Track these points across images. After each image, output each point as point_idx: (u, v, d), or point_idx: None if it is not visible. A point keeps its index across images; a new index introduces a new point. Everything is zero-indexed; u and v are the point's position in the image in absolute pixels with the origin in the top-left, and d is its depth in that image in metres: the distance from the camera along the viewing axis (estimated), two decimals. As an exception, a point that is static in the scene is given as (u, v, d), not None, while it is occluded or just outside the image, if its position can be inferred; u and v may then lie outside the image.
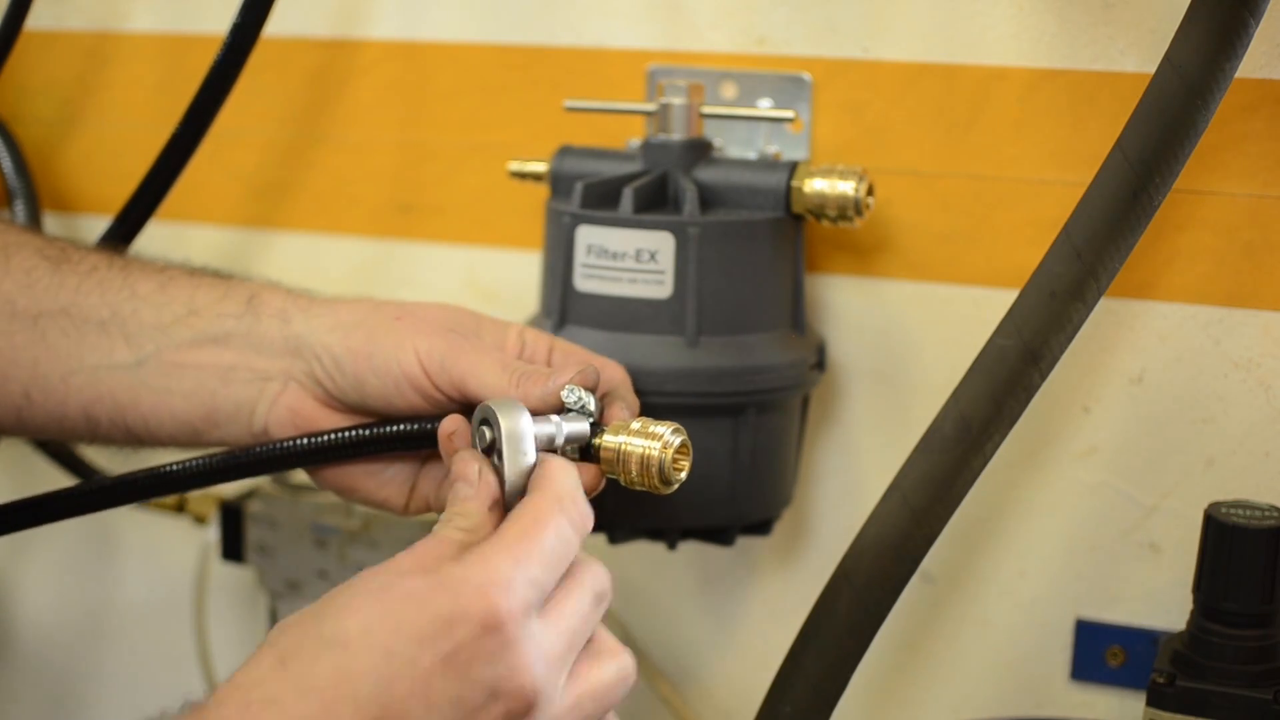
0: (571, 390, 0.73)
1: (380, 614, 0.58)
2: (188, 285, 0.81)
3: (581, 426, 0.73)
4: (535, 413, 0.71)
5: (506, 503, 0.68)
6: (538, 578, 0.61)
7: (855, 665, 0.83)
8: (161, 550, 1.24)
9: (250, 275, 0.85)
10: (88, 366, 0.79)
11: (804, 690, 0.83)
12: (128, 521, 1.24)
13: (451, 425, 0.75)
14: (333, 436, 0.78)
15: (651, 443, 0.72)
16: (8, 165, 1.15)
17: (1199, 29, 0.75)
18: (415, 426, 0.77)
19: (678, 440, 0.72)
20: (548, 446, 0.72)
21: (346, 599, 0.60)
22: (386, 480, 0.81)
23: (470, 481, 0.67)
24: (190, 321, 0.80)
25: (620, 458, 0.72)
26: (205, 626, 1.20)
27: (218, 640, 1.20)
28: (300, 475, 1.12)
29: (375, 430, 0.78)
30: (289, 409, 0.79)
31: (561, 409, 0.73)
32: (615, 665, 0.65)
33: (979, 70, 0.93)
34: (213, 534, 1.15)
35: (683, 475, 0.73)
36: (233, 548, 1.12)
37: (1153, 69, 0.77)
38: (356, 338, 0.78)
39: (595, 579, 0.65)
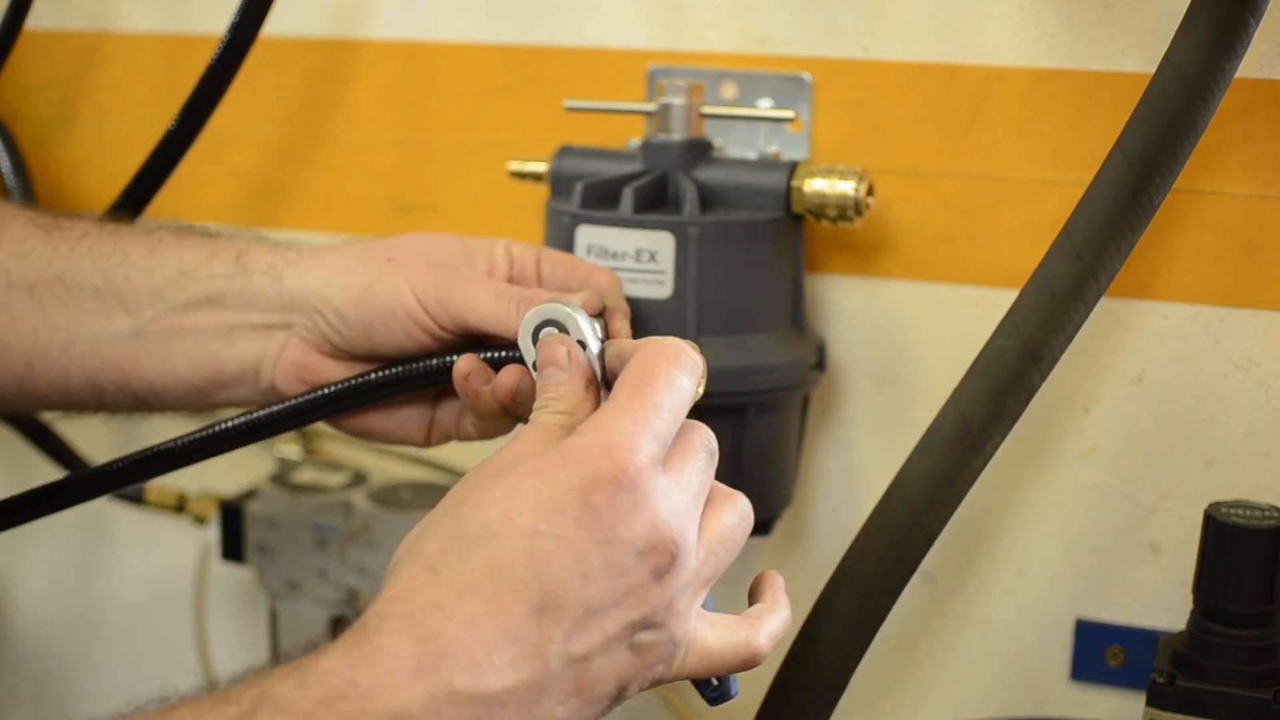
0: None
1: (515, 497, 0.58)
2: (176, 247, 0.81)
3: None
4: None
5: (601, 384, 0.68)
6: (659, 431, 0.61)
7: (855, 665, 0.83)
8: (161, 550, 1.24)
9: (237, 232, 0.85)
10: (88, 336, 0.79)
11: (804, 690, 0.83)
12: (127, 521, 1.24)
13: (467, 367, 0.76)
14: (348, 385, 0.79)
15: None
16: (6, 164, 1.15)
17: (1199, 29, 0.75)
18: (428, 364, 0.78)
19: None
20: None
21: (476, 494, 0.59)
22: (403, 420, 0.82)
23: (561, 366, 0.67)
24: (182, 284, 0.80)
25: None
26: (205, 626, 1.20)
27: (217, 640, 1.20)
28: (302, 474, 1.12)
29: (385, 374, 0.79)
30: (294, 364, 0.80)
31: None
32: (735, 509, 0.65)
33: (979, 70, 0.93)
34: (213, 534, 1.15)
35: None
36: (233, 548, 1.12)
37: (1153, 69, 0.77)
38: (355, 287, 0.78)
39: (705, 437, 0.65)
